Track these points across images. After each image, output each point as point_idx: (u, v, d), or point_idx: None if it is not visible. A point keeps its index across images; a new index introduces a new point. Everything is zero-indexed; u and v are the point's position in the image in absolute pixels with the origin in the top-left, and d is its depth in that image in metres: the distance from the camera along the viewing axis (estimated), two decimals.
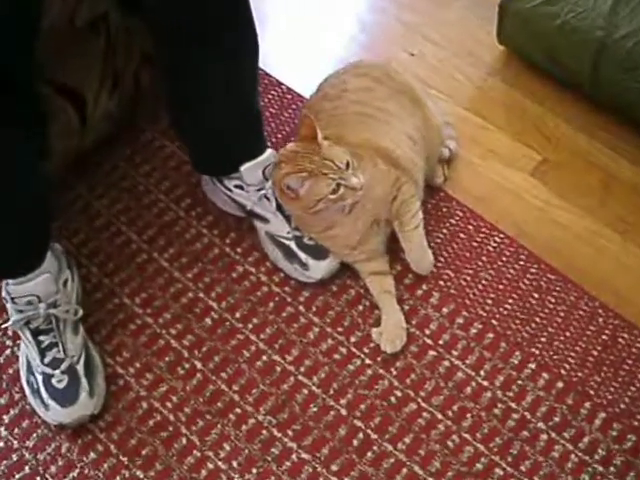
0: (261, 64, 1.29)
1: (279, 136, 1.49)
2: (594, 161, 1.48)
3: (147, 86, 1.37)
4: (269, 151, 1.30)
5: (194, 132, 1.30)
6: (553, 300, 1.33)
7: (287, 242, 1.32)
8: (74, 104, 1.25)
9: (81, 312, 1.24)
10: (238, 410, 1.23)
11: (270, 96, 1.54)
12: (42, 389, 1.19)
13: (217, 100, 1.23)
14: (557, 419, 1.22)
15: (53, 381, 1.19)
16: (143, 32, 1.22)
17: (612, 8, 1.40)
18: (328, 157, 1.18)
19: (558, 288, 1.34)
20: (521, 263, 1.37)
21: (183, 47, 1.17)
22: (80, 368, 1.20)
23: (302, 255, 1.31)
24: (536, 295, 1.34)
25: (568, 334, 1.30)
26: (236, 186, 1.31)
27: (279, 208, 1.30)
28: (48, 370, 1.19)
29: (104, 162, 1.45)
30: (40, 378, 1.19)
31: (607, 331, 1.30)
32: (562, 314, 1.32)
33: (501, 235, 1.39)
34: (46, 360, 1.19)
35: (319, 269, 1.31)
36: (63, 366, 1.19)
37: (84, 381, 1.20)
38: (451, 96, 1.54)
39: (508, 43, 1.57)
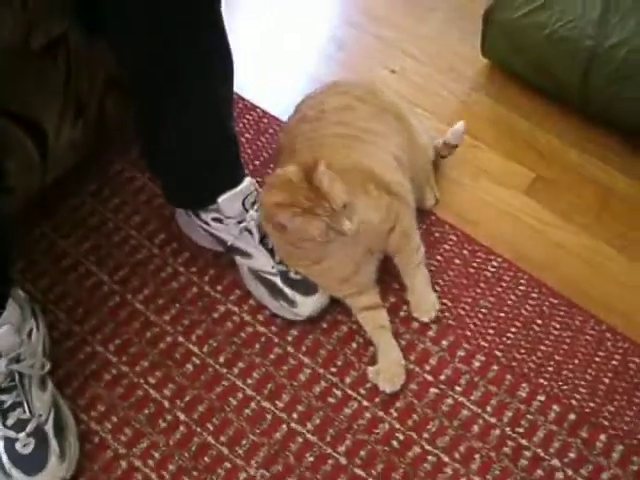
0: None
1: (256, 163, 1.37)
2: (587, 175, 1.40)
3: (113, 113, 1.23)
4: (248, 180, 1.18)
5: (167, 161, 1.17)
6: (558, 326, 1.23)
7: (272, 277, 1.19)
8: (32, 137, 1.11)
9: (49, 365, 1.10)
10: (227, 464, 1.10)
11: (245, 121, 1.42)
12: (4, 457, 1.04)
13: (192, 125, 1.10)
14: (572, 455, 1.12)
15: (17, 446, 1.04)
16: (106, 53, 1.09)
17: (602, 15, 1.30)
18: (327, 197, 1.05)
19: (562, 313, 1.24)
20: (521, 288, 1.26)
21: (156, 67, 1.05)
22: (49, 428, 1.06)
23: (288, 291, 1.18)
24: (539, 321, 1.23)
25: (576, 361, 1.20)
26: (214, 219, 1.18)
27: (262, 241, 1.18)
28: (11, 434, 1.04)
29: (69, 197, 1.32)
30: (2, 444, 1.04)
31: (617, 356, 1.20)
32: (568, 340, 1.22)
33: (498, 259, 1.29)
34: (9, 422, 1.04)
35: (307, 305, 1.18)
36: (29, 428, 1.04)
37: (54, 443, 1.05)
38: (435, 113, 1.44)
39: (492, 56, 1.47)
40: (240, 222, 1.17)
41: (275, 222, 1.07)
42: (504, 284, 1.26)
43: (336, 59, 1.53)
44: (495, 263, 1.28)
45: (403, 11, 1.60)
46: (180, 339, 1.20)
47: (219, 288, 1.25)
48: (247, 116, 1.42)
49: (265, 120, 1.42)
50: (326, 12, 1.68)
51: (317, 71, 1.50)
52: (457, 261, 1.28)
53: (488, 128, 1.44)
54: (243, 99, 1.43)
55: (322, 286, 1.19)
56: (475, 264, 1.28)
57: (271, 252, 1.18)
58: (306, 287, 1.18)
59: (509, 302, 1.25)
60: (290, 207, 1.04)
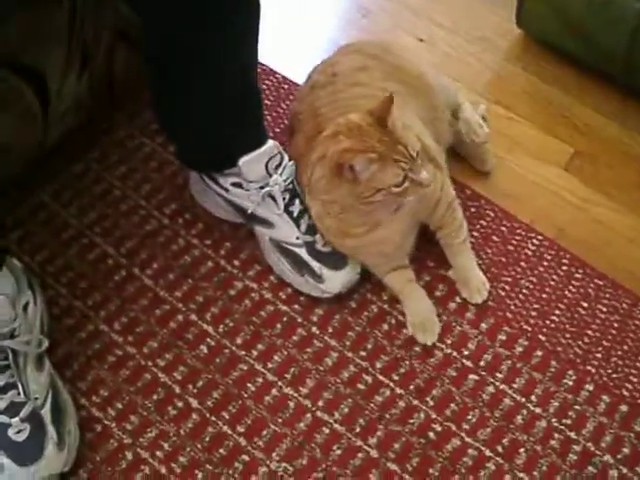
0: None
1: (277, 130, 1.22)
2: (629, 151, 1.26)
3: (122, 68, 1.08)
4: (271, 142, 1.03)
5: (185, 120, 1.02)
6: (604, 309, 1.09)
7: (296, 249, 1.03)
8: (33, 88, 0.96)
9: (46, 343, 0.96)
10: (245, 457, 0.96)
11: (264, 86, 1.27)
12: None
13: (215, 80, 0.96)
14: (626, 450, 0.98)
15: (10, 432, 0.89)
16: None
17: None
18: (402, 141, 0.92)
19: (608, 295, 1.10)
20: (564, 268, 1.12)
21: (173, 11, 0.89)
22: (46, 413, 0.91)
23: (315, 264, 1.03)
24: (585, 304, 1.09)
25: (626, 348, 1.06)
26: (234, 184, 1.03)
27: (286, 209, 1.03)
28: (3, 418, 0.89)
29: (72, 162, 1.18)
30: None
31: None
32: (616, 325, 1.08)
33: (539, 237, 1.14)
34: (1, 406, 0.89)
35: (336, 281, 1.03)
36: (23, 412, 0.89)
37: (51, 429, 0.90)
38: (467, 85, 1.29)
39: (528, 25, 1.33)
40: (262, 187, 1.02)
41: (346, 170, 0.92)
42: (546, 263, 1.12)
43: (359, 26, 1.39)
44: (535, 241, 1.14)
45: None
46: (193, 318, 1.06)
47: (236, 262, 1.10)
48: (266, 82, 1.28)
49: (285, 86, 1.28)
50: None
51: (340, 38, 1.35)
52: (495, 238, 1.14)
53: (523, 100, 1.30)
54: (262, 64, 1.28)
55: (361, 258, 1.04)
56: (514, 241, 1.14)
57: (296, 221, 1.03)
58: (335, 260, 1.03)
59: (552, 282, 1.11)
60: (364, 152, 0.90)
